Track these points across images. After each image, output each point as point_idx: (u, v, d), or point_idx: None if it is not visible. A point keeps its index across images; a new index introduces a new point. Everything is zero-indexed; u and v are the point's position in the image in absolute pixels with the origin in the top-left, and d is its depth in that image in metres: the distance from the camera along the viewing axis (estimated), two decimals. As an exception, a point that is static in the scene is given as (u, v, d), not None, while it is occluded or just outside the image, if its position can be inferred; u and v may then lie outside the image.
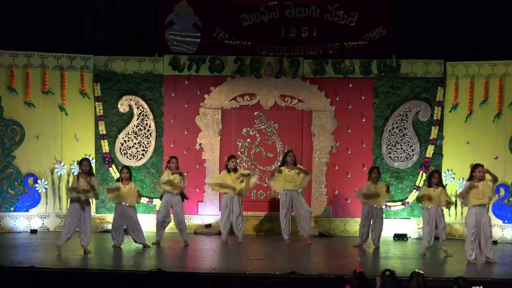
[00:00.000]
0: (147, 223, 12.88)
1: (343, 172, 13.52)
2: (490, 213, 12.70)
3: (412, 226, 13.31)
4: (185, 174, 11.99)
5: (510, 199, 12.78)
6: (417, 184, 13.33)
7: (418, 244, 12.00)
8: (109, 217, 13.37)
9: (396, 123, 13.48)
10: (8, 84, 13.05)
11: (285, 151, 13.04)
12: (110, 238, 11.50)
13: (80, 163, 10.96)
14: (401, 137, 13.48)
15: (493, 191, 10.50)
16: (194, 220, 13.48)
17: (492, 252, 10.42)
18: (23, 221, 13.06)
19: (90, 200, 10.94)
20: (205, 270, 9.43)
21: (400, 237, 12.94)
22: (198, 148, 13.61)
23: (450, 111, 13.36)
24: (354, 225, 13.16)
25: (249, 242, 12.49)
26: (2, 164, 12.95)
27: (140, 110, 13.62)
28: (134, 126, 13.62)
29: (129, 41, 13.90)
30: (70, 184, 11.11)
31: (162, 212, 11.83)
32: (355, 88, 13.54)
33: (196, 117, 13.63)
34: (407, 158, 13.47)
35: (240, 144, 13.66)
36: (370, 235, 11.96)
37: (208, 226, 13.28)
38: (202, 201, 13.57)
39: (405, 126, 13.48)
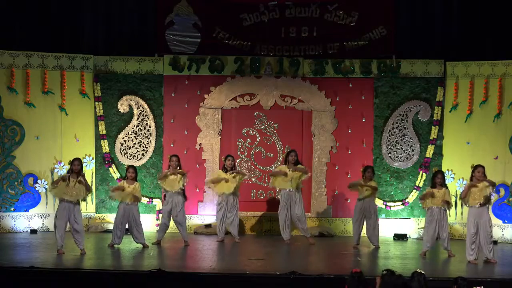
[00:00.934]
0: (147, 223, 12.88)
1: (343, 172, 13.52)
2: (490, 213, 12.72)
3: (412, 226, 13.31)
4: (186, 174, 11.96)
5: (510, 199, 12.78)
6: (417, 184, 13.33)
7: (418, 244, 12.00)
8: (109, 217, 13.40)
9: (396, 123, 13.48)
10: (8, 84, 13.05)
11: (286, 151, 13.06)
12: (110, 238, 11.48)
13: (71, 162, 10.79)
14: (401, 137, 13.48)
15: (489, 191, 10.49)
16: (194, 220, 13.48)
17: (493, 253, 10.42)
18: (23, 221, 13.06)
19: (80, 200, 10.88)
20: (205, 270, 9.43)
21: (400, 237, 12.94)
22: (198, 148, 13.62)
23: (450, 111, 13.36)
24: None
25: (249, 242, 12.50)
26: (2, 164, 12.95)
27: (140, 110, 13.62)
28: (134, 126, 13.62)
29: (129, 41, 13.92)
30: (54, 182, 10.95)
31: (165, 212, 11.81)
32: (355, 88, 13.54)
33: (196, 117, 13.63)
34: (407, 158, 13.47)
35: (240, 144, 13.66)
36: (366, 233, 11.97)
37: (208, 226, 13.28)
38: (202, 201, 13.57)
39: (405, 126, 13.48)
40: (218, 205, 12.28)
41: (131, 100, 13.62)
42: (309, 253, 11.55)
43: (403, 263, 10.35)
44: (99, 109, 13.53)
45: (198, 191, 13.51)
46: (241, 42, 13.57)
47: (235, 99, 13.64)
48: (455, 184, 13.10)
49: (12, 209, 12.98)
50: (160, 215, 12.52)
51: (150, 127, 13.61)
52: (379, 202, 13.36)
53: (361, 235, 11.95)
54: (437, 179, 11.11)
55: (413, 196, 13.32)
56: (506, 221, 12.79)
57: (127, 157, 13.57)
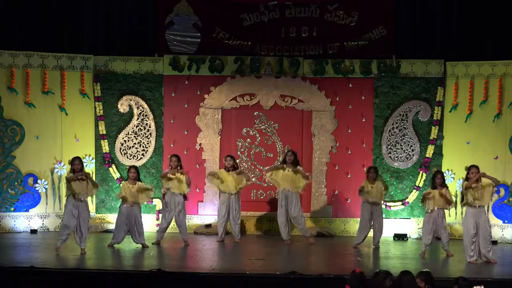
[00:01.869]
0: (147, 223, 12.87)
1: (343, 172, 13.52)
2: (490, 213, 12.73)
3: (412, 226, 13.30)
4: (188, 177, 11.94)
5: (510, 199, 12.78)
6: (417, 184, 13.33)
7: (418, 244, 12.00)
8: (109, 217, 13.40)
9: (396, 123, 13.48)
10: (8, 84, 13.05)
11: (285, 151, 13.07)
12: (110, 238, 11.48)
13: (71, 162, 10.82)
14: (401, 137, 13.48)
15: (492, 193, 10.50)
16: (194, 220, 13.48)
17: (492, 252, 10.41)
18: (23, 221, 13.05)
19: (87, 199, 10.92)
20: (205, 270, 9.44)
21: (400, 237, 12.93)
22: (198, 148, 13.62)
23: (450, 111, 13.36)
24: (354, 225, 13.14)
25: (249, 242, 12.50)
26: (2, 164, 12.95)
27: (140, 110, 13.62)
28: (134, 126, 13.62)
29: (129, 41, 13.92)
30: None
31: (165, 212, 11.81)
32: (355, 88, 13.54)
33: (196, 117, 13.63)
34: (407, 158, 13.47)
35: (240, 144, 13.66)
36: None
37: (208, 226, 13.28)
38: (202, 201, 13.57)
39: (405, 126, 13.48)
40: (221, 204, 12.28)
41: (131, 100, 13.62)
42: (309, 253, 11.56)
43: (403, 263, 10.35)
44: (99, 109, 13.53)
45: (198, 191, 13.51)
46: (241, 42, 13.57)
47: (235, 99, 13.64)
48: (455, 184, 13.09)
49: (12, 209, 12.98)
50: (160, 215, 12.52)
51: (150, 127, 13.61)
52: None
53: (366, 237, 11.93)
54: (437, 180, 11.12)
55: (413, 196, 13.31)
56: (506, 221, 12.79)
57: (127, 157, 13.57)
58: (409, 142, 13.46)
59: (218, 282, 8.86)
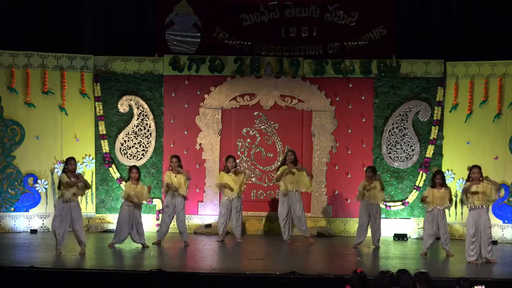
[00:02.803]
0: (147, 223, 12.88)
1: (343, 172, 13.52)
2: (490, 213, 12.72)
3: (412, 226, 13.31)
4: (188, 177, 11.94)
5: (510, 199, 12.78)
6: (417, 184, 13.33)
7: (418, 244, 12.00)
8: (109, 217, 13.40)
9: (396, 123, 13.48)
10: (8, 84, 13.05)
11: (285, 151, 13.07)
12: (110, 238, 11.48)
13: (67, 162, 10.75)
14: (401, 137, 13.48)
15: (496, 195, 10.50)
16: (194, 220, 13.48)
17: (492, 253, 10.40)
18: (23, 221, 13.05)
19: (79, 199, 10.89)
20: (205, 270, 9.43)
21: (400, 237, 12.93)
22: (198, 148, 13.62)
23: (450, 111, 13.36)
24: (354, 225, 13.13)
25: (249, 242, 12.50)
26: (2, 164, 12.95)
27: (140, 110, 13.62)
28: (134, 126, 13.62)
29: (129, 41, 13.92)
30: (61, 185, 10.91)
31: (166, 212, 11.81)
32: (355, 88, 13.54)
33: (196, 117, 13.63)
34: (407, 158, 13.47)
35: (240, 144, 13.66)
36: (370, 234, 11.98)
37: (208, 226, 13.28)
38: (202, 201, 13.57)
39: (405, 126, 13.48)
40: (222, 204, 12.28)
41: (131, 100, 13.62)
42: (309, 253, 11.56)
43: (403, 263, 10.35)
44: (99, 109, 13.53)
45: (198, 191, 13.51)
46: (241, 42, 13.57)
47: (235, 99, 13.64)
48: (455, 184, 13.10)
49: (12, 209, 12.98)
50: (160, 215, 12.52)
51: (150, 127, 13.61)
52: (379, 202, 13.39)
53: (366, 236, 11.93)
54: (437, 180, 11.12)
55: (413, 196, 13.31)
56: (506, 221, 12.79)
57: (127, 157, 13.57)
58: (409, 142, 13.46)
59: (218, 282, 8.86)
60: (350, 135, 13.56)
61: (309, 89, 13.59)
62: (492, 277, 9.20)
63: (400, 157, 13.48)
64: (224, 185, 12.19)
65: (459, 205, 12.88)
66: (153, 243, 11.62)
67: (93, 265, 9.86)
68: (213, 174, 13.43)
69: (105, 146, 13.52)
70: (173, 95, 13.62)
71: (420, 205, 12.43)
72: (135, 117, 13.61)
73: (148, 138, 13.61)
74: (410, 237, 13.12)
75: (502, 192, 12.68)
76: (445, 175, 13.04)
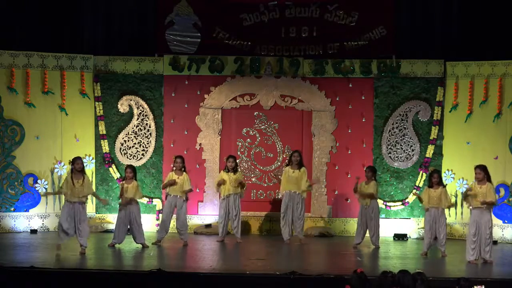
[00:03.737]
0: (147, 223, 12.88)
1: (343, 172, 13.52)
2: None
3: (412, 226, 13.31)
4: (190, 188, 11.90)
5: (510, 199, 12.78)
6: (417, 184, 13.33)
7: (418, 244, 12.01)
8: (109, 217, 13.41)
9: (396, 123, 13.48)
10: (8, 84, 13.05)
11: (285, 151, 13.07)
12: (110, 238, 11.49)
13: (73, 161, 10.79)
14: (401, 137, 13.48)
15: (494, 198, 10.49)
16: (194, 220, 13.48)
17: (490, 253, 10.36)
18: (23, 221, 13.05)
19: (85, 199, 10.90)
20: (205, 270, 9.43)
21: (400, 237, 12.94)
22: (198, 148, 13.62)
23: (450, 111, 13.36)
24: (354, 225, 13.10)
25: (249, 242, 12.50)
26: (2, 164, 12.95)
27: (140, 110, 13.62)
28: (134, 126, 13.62)
29: (129, 41, 13.91)
30: (61, 186, 10.94)
31: (166, 213, 11.81)
32: (355, 88, 13.54)
33: (196, 117, 13.63)
34: (407, 158, 13.47)
35: (240, 144, 13.66)
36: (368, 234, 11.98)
37: (208, 226, 13.28)
38: (202, 201, 13.57)
39: (405, 126, 13.48)
40: (221, 204, 12.28)
41: (131, 100, 13.62)
42: (309, 253, 11.56)
43: (403, 263, 10.35)
44: (99, 109, 13.53)
45: (198, 191, 13.51)
46: (241, 42, 13.57)
47: (235, 99, 13.64)
48: (455, 184, 13.10)
49: (12, 209, 12.98)
50: (161, 215, 12.52)
51: (150, 127, 13.61)
52: (379, 202, 13.36)
53: (364, 236, 11.93)
54: (434, 179, 11.11)
55: (413, 196, 13.30)
56: (506, 221, 12.79)
57: (127, 157, 13.57)
58: (409, 142, 13.46)
59: (218, 282, 8.86)
60: (350, 135, 13.56)
61: (309, 89, 13.59)
62: (492, 277, 9.20)
63: (400, 157, 13.48)
64: (220, 182, 12.16)
65: (459, 205, 12.88)
66: (153, 243, 11.62)
67: (93, 265, 9.87)
68: (213, 174, 13.44)
69: (105, 146, 13.52)
70: (173, 95, 13.62)
71: (420, 205, 12.41)
72: (135, 117, 13.61)
73: (148, 138, 13.61)
74: (410, 237, 13.12)
75: (502, 192, 12.68)
76: (445, 175, 13.07)
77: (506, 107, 12.87)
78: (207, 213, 13.51)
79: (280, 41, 13.53)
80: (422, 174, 13.30)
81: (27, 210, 13.09)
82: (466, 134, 13.17)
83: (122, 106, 13.61)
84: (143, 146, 13.61)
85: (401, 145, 13.48)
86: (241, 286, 8.74)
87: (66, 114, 13.41)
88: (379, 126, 13.51)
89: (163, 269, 8.91)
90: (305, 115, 13.64)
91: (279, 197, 12.61)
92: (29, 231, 12.96)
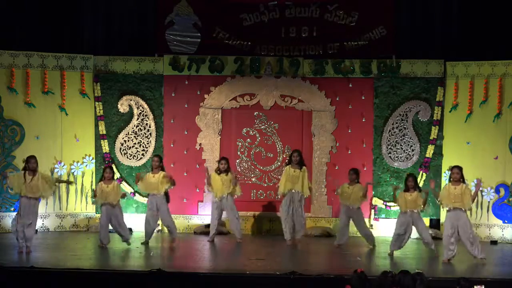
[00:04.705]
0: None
1: (343, 172, 13.48)
2: (490, 213, 12.76)
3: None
4: (169, 177, 11.79)
5: (510, 199, 12.77)
6: (417, 184, 13.33)
7: (418, 244, 11.99)
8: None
9: (396, 123, 13.48)
10: (8, 84, 13.05)
11: (285, 151, 13.08)
12: (110, 238, 11.48)
13: (27, 160, 10.83)
14: (401, 137, 13.48)
15: (470, 204, 10.45)
16: (194, 220, 13.48)
17: (479, 251, 10.30)
18: (23, 221, 13.03)
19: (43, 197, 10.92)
20: (205, 270, 9.45)
21: (400, 237, 12.92)
22: (198, 148, 13.62)
23: (450, 111, 13.36)
24: (353, 225, 13.12)
25: (249, 242, 12.50)
26: (2, 164, 12.95)
27: (140, 110, 13.62)
28: (134, 126, 13.62)
29: (129, 41, 13.91)
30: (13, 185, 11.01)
31: (149, 213, 11.80)
32: (355, 88, 13.54)
33: (196, 117, 13.63)
34: (407, 158, 13.47)
35: (240, 144, 13.66)
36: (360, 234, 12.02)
37: (208, 226, 13.25)
38: (202, 201, 13.56)
39: (405, 126, 13.48)
40: (213, 205, 12.25)
41: (131, 100, 13.62)
42: (309, 253, 11.56)
43: (403, 263, 10.35)
44: (99, 109, 13.53)
45: (198, 191, 13.51)
46: (241, 42, 13.57)
47: (235, 99, 13.64)
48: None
49: (12, 209, 12.96)
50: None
51: (150, 127, 13.61)
52: (379, 202, 13.39)
53: (347, 236, 11.92)
54: (409, 183, 11.11)
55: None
56: (506, 221, 12.78)
57: (127, 157, 13.57)
58: (409, 142, 13.46)
59: (218, 282, 8.86)
60: (350, 135, 13.56)
61: (309, 89, 13.59)
62: (492, 277, 9.20)
63: (400, 157, 13.48)
64: (209, 182, 12.16)
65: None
66: (141, 243, 11.56)
67: (93, 265, 9.87)
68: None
69: (105, 146, 13.51)
70: (173, 95, 13.62)
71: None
72: (135, 117, 13.61)
73: (148, 138, 13.61)
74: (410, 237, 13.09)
75: (502, 192, 12.67)
76: (445, 175, 13.06)
77: (506, 107, 12.87)
78: (207, 213, 13.47)
79: (280, 41, 13.53)
80: (422, 174, 13.30)
81: (27, 210, 13.06)
82: (466, 134, 13.17)
83: (122, 106, 13.61)
84: (143, 146, 13.61)
85: (401, 145, 13.48)
86: (241, 286, 8.74)
87: (66, 114, 13.41)
88: (379, 126, 13.50)
89: (163, 269, 8.91)
90: (305, 115, 13.64)
91: (278, 197, 12.59)
92: (29, 231, 12.94)
